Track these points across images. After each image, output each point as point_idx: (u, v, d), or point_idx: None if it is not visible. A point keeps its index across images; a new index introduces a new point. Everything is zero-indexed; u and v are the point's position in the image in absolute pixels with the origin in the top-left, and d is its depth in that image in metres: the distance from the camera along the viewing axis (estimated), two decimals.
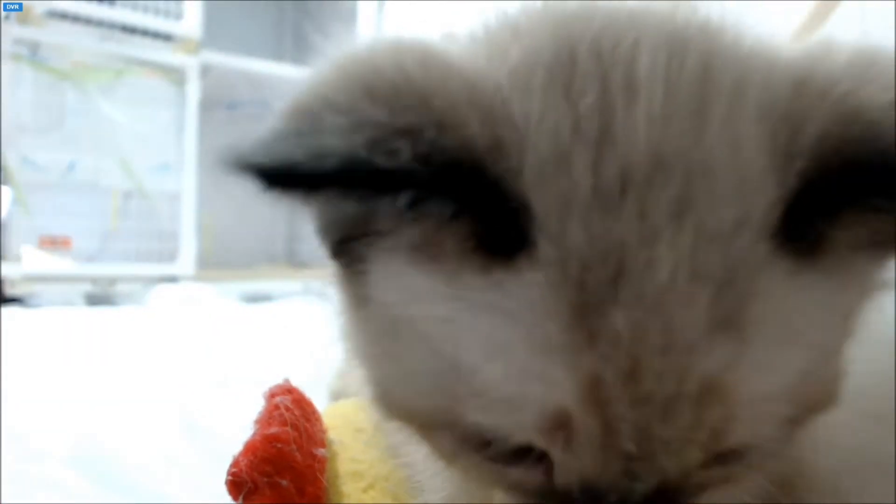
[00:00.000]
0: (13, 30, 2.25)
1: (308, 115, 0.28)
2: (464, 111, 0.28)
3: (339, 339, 0.40)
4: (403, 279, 0.31)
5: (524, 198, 0.28)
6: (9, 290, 2.17)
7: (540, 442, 0.30)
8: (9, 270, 2.21)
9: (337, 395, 0.80)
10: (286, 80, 2.89)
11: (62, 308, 2.12)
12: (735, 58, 0.31)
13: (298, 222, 3.36)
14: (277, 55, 3.21)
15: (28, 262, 2.30)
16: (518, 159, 0.28)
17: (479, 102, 0.29)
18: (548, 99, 0.29)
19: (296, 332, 1.73)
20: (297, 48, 3.42)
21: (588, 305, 0.27)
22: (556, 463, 0.30)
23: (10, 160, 2.26)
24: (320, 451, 0.51)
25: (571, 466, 0.30)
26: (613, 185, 0.27)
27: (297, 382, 0.59)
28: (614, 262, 0.27)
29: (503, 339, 0.28)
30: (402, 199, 0.28)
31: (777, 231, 0.29)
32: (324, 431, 0.56)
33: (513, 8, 0.35)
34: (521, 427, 0.29)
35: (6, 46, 2.23)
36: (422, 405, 0.32)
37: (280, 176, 0.27)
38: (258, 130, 0.29)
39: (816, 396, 0.32)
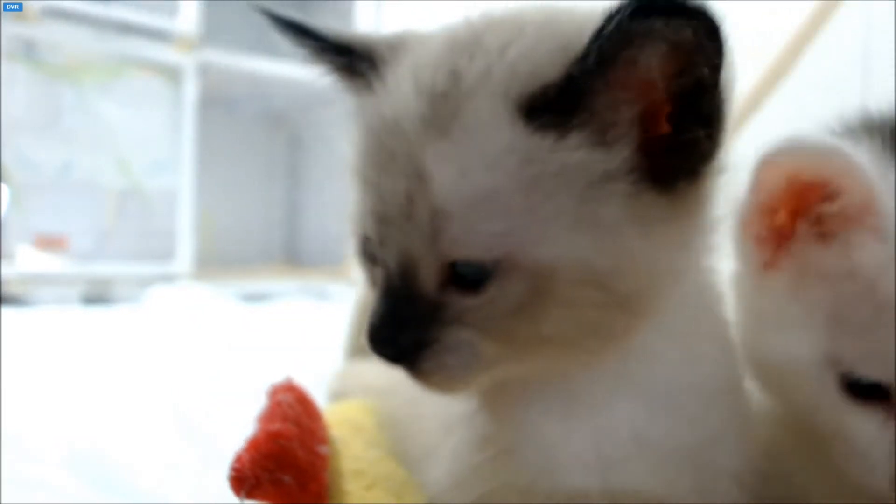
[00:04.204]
0: (9, 28, 2.25)
1: None
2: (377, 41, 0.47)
3: None
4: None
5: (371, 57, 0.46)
6: (4, 290, 2.17)
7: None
8: (4, 270, 2.21)
9: (337, 396, 0.80)
10: (285, 78, 2.89)
11: (58, 308, 2.12)
12: None
13: (296, 222, 3.36)
14: (277, 53, 3.20)
15: (24, 261, 2.30)
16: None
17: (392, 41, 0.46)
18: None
19: (293, 331, 1.73)
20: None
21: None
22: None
23: (6, 159, 2.25)
24: (322, 448, 0.51)
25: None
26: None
27: (298, 382, 0.59)
28: None
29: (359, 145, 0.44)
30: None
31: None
32: (326, 429, 0.56)
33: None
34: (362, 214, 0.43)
35: (2, 45, 2.23)
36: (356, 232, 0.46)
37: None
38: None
39: (593, 268, 0.38)
